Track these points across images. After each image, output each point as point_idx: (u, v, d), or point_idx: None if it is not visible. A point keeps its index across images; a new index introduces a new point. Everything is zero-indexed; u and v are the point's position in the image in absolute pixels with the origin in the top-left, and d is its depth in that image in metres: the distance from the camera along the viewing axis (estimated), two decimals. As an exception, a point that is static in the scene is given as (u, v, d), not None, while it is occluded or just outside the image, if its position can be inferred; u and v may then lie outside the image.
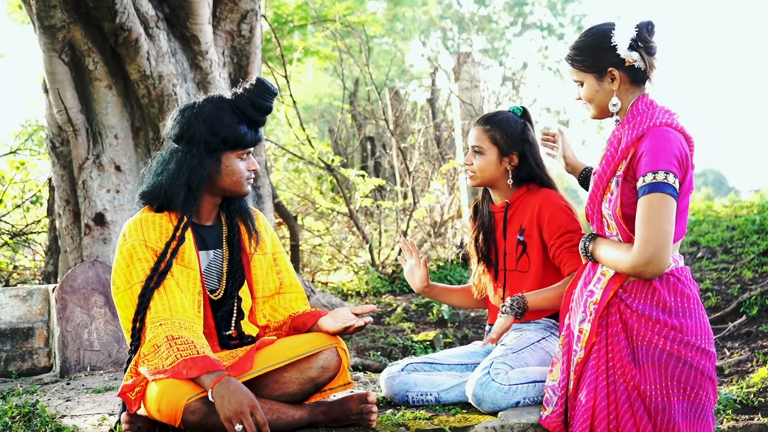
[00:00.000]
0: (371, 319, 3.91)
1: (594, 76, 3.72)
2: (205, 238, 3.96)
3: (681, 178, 3.51)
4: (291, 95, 10.61)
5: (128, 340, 3.73)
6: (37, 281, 9.44)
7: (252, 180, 3.96)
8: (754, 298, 7.52)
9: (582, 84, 3.77)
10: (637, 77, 3.73)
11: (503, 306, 4.12)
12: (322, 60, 15.64)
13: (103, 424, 4.16)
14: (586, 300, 3.69)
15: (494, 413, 4.00)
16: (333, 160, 10.94)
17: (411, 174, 11.08)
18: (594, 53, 3.71)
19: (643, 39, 3.68)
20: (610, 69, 3.68)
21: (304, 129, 10.97)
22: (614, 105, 3.71)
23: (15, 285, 9.23)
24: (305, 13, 14.60)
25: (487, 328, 4.72)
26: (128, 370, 3.72)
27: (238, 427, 3.33)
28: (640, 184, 3.49)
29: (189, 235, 3.86)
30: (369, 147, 14.83)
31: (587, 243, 3.74)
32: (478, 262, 4.64)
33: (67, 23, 6.87)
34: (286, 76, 10.32)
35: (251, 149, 3.93)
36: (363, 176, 10.94)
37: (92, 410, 4.57)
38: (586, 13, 34.47)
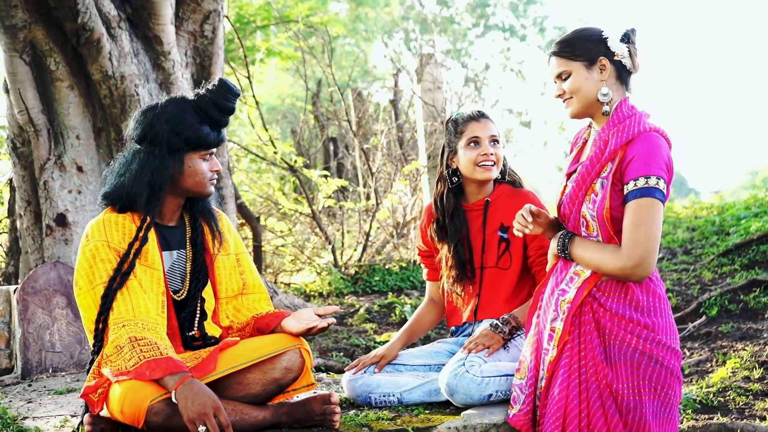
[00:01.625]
0: (334, 320, 3.92)
1: (584, 64, 3.73)
2: (168, 238, 3.95)
3: (668, 185, 3.56)
4: (254, 96, 10.59)
5: (91, 341, 3.72)
6: (-3, 282, 9.36)
7: (215, 181, 3.96)
8: (713, 298, 7.60)
9: (569, 75, 3.76)
10: (623, 76, 3.77)
11: (493, 324, 4.23)
12: (284, 60, 15.60)
13: (65, 426, 4.15)
14: (558, 299, 3.70)
15: (466, 406, 4.04)
16: (296, 161, 10.94)
17: (374, 175, 11.09)
18: (585, 43, 3.75)
19: (629, 40, 3.75)
20: (600, 57, 3.71)
21: (267, 130, 10.96)
22: (605, 95, 3.70)
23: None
24: (268, 13, 14.57)
25: (452, 328, 4.74)
26: (91, 371, 3.70)
27: (201, 428, 3.33)
28: (630, 187, 3.53)
29: (152, 235, 3.85)
30: (332, 148, 14.83)
31: (565, 240, 3.74)
32: (449, 264, 4.63)
33: (29, 23, 6.83)
34: (249, 77, 10.31)
35: (214, 150, 3.92)
36: (326, 177, 10.94)
37: (54, 412, 4.54)
38: (548, 15, 34.54)
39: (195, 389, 3.40)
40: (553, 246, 3.81)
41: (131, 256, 3.73)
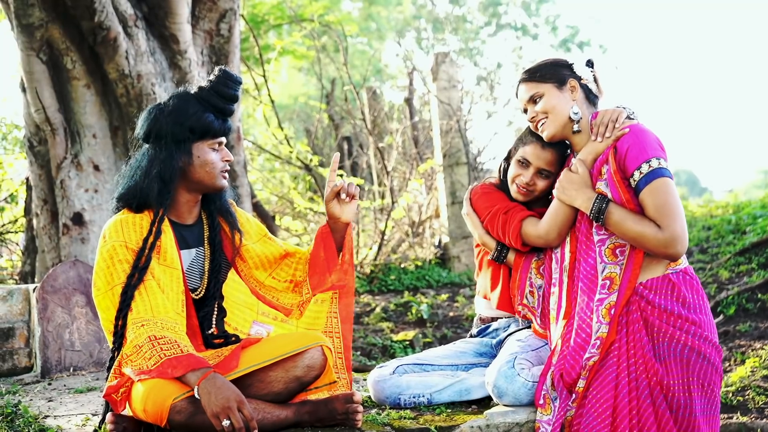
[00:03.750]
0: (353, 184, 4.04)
1: (554, 86, 3.88)
2: (186, 237, 3.94)
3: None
4: (269, 94, 10.59)
5: (110, 341, 3.71)
6: (13, 281, 9.38)
7: (227, 172, 3.95)
8: (731, 297, 7.57)
9: (541, 97, 3.88)
10: (590, 97, 3.92)
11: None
12: (298, 59, 15.60)
13: (86, 425, 4.14)
14: (597, 307, 3.70)
15: (511, 406, 4.00)
16: (311, 160, 10.93)
17: (389, 173, 11.08)
18: (553, 68, 3.92)
19: (592, 66, 3.95)
20: (570, 79, 3.87)
21: (282, 128, 10.96)
22: (576, 113, 3.84)
23: (-9, 285, 9.17)
24: (281, 12, 14.55)
25: (473, 330, 4.69)
26: (111, 371, 3.69)
27: (226, 422, 3.32)
28: (637, 177, 3.61)
29: (170, 235, 3.84)
30: (346, 147, 14.82)
31: (602, 205, 3.72)
32: None
33: (46, 22, 6.84)
34: (264, 75, 10.31)
35: (222, 139, 3.92)
36: (341, 176, 10.92)
37: (75, 410, 4.54)
38: (560, 14, 34.56)
39: (218, 384, 3.39)
40: (591, 208, 3.76)
41: (147, 250, 3.73)
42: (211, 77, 3.87)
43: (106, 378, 3.74)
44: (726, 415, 5.15)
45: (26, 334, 6.04)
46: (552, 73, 3.89)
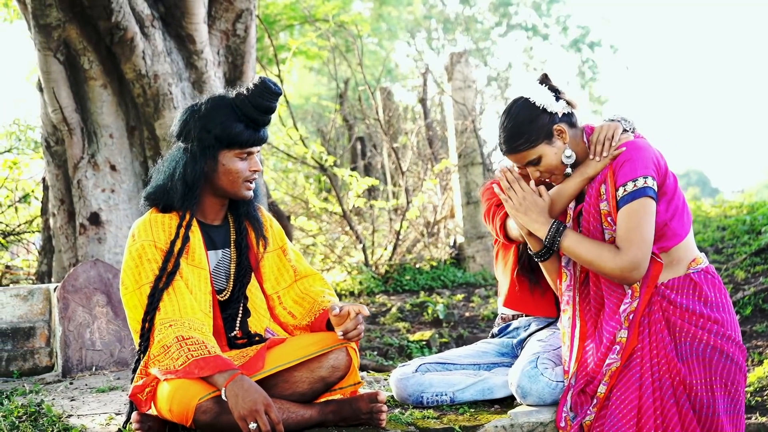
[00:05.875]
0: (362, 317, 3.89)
1: (545, 143, 3.77)
2: (213, 237, 3.94)
3: (660, 180, 3.63)
4: (284, 95, 10.61)
5: (136, 341, 3.72)
6: (30, 281, 9.40)
7: (252, 184, 3.90)
8: (747, 298, 7.56)
9: (539, 159, 3.79)
10: (572, 121, 3.84)
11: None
12: (311, 59, 15.62)
13: (110, 424, 4.15)
14: (618, 314, 3.69)
15: (535, 406, 3.99)
16: (326, 160, 10.94)
17: (404, 174, 11.08)
18: (532, 124, 3.77)
19: (555, 89, 3.83)
20: (554, 127, 3.76)
21: (297, 129, 10.97)
22: (568, 157, 3.78)
23: (8, 285, 9.19)
24: (294, 12, 14.57)
25: (494, 330, 4.70)
26: (138, 371, 3.70)
27: (253, 425, 3.33)
28: (620, 194, 3.60)
29: (198, 234, 3.84)
30: (359, 147, 14.82)
31: (559, 228, 3.73)
32: None
33: (63, 22, 6.86)
34: (279, 75, 10.33)
35: (253, 149, 3.86)
36: (356, 176, 10.93)
37: (98, 410, 4.55)
38: (571, 14, 34.55)
39: (245, 386, 3.40)
40: (544, 234, 3.77)
41: (175, 254, 3.73)
42: (250, 85, 3.81)
43: (132, 379, 3.75)
44: (744, 416, 5.14)
45: (47, 334, 6.06)
46: (536, 132, 3.75)
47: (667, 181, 3.66)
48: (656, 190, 3.57)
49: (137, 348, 3.72)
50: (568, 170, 3.80)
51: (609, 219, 3.67)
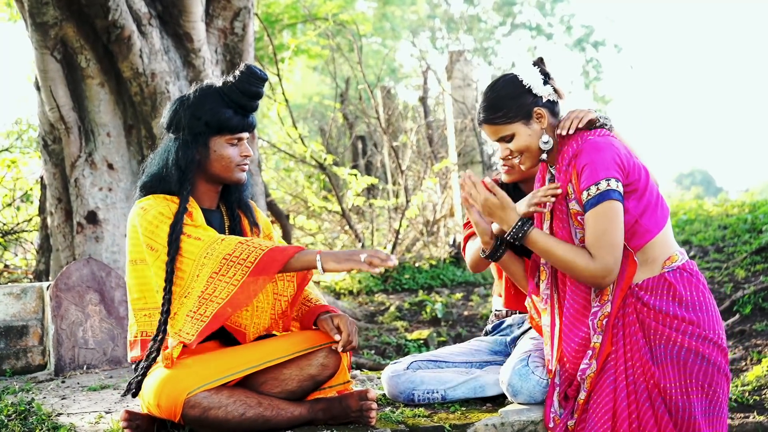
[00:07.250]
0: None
1: (522, 122, 3.73)
2: (211, 220, 3.93)
3: (624, 179, 3.57)
4: (284, 93, 10.59)
5: (159, 300, 3.64)
6: (28, 280, 9.40)
7: (245, 167, 3.94)
8: (747, 296, 7.53)
9: (512, 137, 3.76)
10: (555, 110, 3.80)
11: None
12: (312, 58, 15.61)
13: (100, 422, 4.14)
14: (591, 319, 3.66)
15: (526, 405, 3.97)
16: (325, 159, 10.93)
17: (403, 172, 11.07)
18: (514, 101, 3.74)
19: (545, 73, 3.80)
20: (535, 109, 3.73)
21: (296, 128, 10.95)
22: (546, 143, 3.75)
23: (5, 284, 9.19)
24: (295, 11, 14.56)
25: (488, 327, 4.70)
26: (157, 360, 3.62)
27: (363, 256, 3.44)
28: (585, 198, 3.56)
29: (199, 211, 3.84)
30: (360, 146, 14.82)
31: (525, 226, 3.67)
32: None
33: (60, 20, 6.84)
34: (278, 75, 10.30)
35: (242, 134, 3.90)
36: (355, 175, 10.92)
37: (88, 408, 4.54)
38: (575, 13, 34.52)
39: (333, 251, 3.51)
40: (511, 229, 3.71)
41: (175, 236, 3.69)
42: (236, 73, 3.85)
43: (135, 367, 3.70)
44: (742, 415, 5.11)
45: (40, 332, 6.05)
46: (516, 109, 3.72)
47: (635, 177, 3.60)
48: (621, 190, 3.52)
49: (160, 318, 3.62)
50: (544, 156, 3.76)
51: (579, 218, 3.65)
